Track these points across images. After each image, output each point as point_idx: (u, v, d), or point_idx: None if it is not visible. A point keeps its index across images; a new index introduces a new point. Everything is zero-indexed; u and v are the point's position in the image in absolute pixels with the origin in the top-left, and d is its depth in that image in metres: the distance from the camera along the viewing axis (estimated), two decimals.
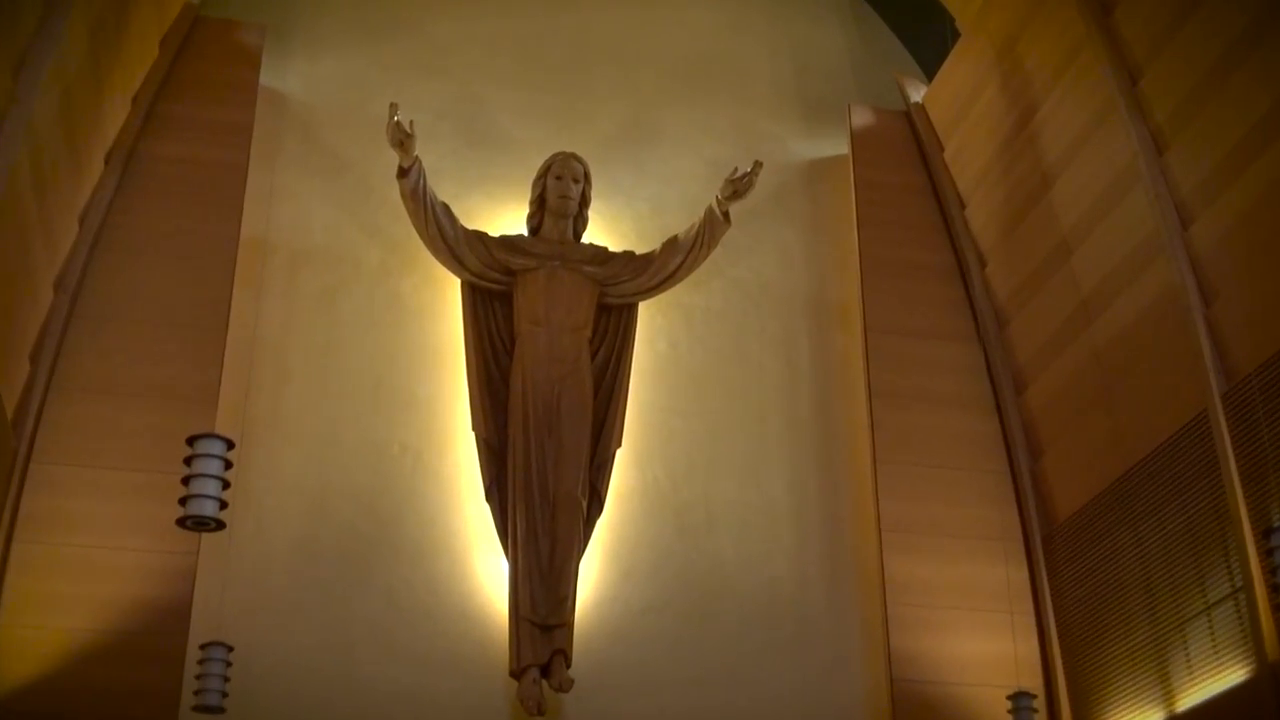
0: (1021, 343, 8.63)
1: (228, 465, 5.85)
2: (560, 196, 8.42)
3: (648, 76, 9.59)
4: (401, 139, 7.89)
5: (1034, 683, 7.86)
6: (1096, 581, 7.81)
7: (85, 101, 7.39)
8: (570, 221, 8.49)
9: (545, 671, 7.45)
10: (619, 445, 8.13)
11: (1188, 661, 7.05)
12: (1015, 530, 8.36)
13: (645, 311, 8.61)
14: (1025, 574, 8.25)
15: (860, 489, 8.47)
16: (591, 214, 8.62)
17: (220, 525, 5.83)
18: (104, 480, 7.33)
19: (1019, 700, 7.33)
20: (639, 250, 8.58)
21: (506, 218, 8.67)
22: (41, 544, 7.14)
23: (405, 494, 8.03)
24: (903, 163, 9.44)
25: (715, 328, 8.87)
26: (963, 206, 9.18)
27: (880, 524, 8.18)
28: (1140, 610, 7.42)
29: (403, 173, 8.05)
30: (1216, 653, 6.87)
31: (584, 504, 7.83)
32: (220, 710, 6.80)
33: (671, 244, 8.49)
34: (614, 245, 8.60)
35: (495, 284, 8.31)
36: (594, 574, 7.96)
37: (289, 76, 9.02)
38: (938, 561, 8.10)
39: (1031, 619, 8.14)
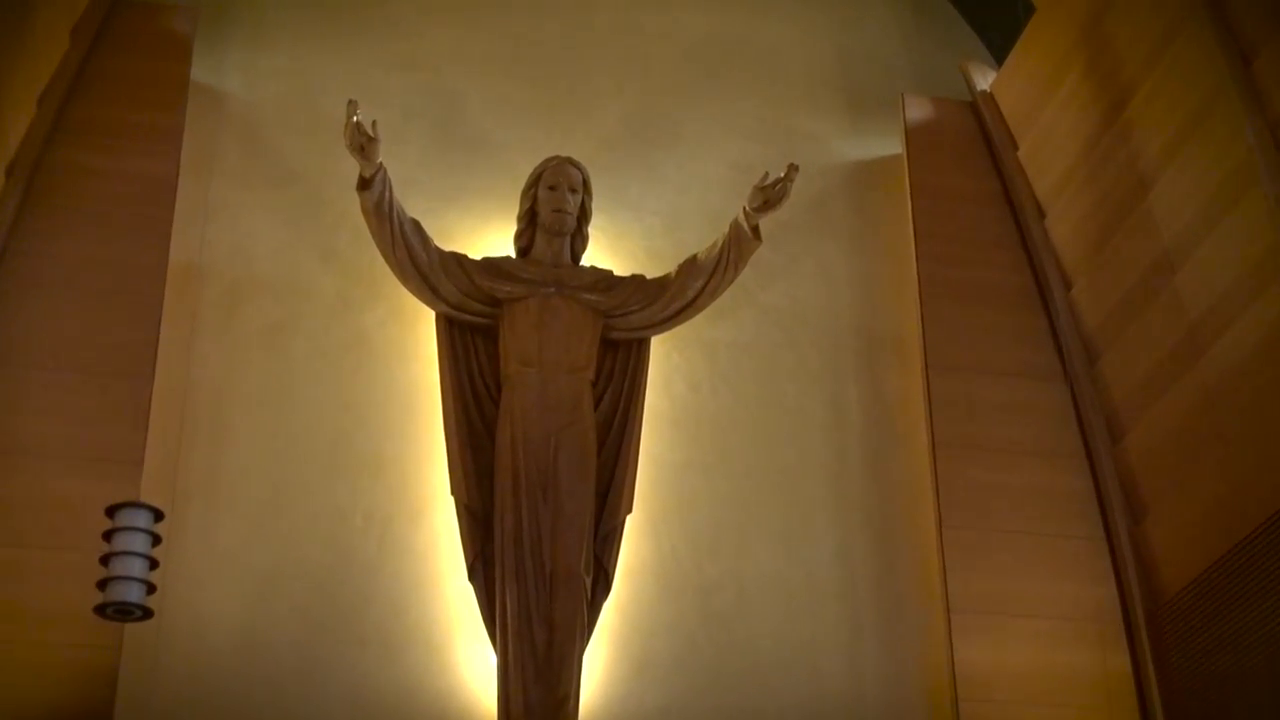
0: (1117, 381, 8.63)
1: (156, 540, 5.88)
2: (554, 210, 8.44)
3: (659, 64, 9.65)
4: (362, 143, 7.92)
5: None
6: (1213, 670, 7.77)
7: None
8: (567, 240, 8.51)
9: None
10: (629, 510, 8.11)
11: None
12: (1114, 608, 8.32)
13: (659, 347, 8.62)
14: (1127, 661, 8.20)
15: (923, 560, 8.45)
16: (593, 231, 8.65)
17: (148, 613, 5.85)
18: (4, 560, 7.29)
19: None
20: (650, 274, 8.59)
21: (490, 237, 8.71)
22: None
23: (371, 573, 8.01)
24: (968, 164, 9.47)
25: (744, 366, 8.88)
26: (1042, 216, 9.20)
27: (948, 603, 8.15)
28: (1267, 704, 7.37)
29: (364, 184, 8.08)
30: None
31: (588, 582, 7.81)
32: None
33: (690, 266, 8.50)
34: (620, 268, 8.63)
35: (477, 317, 8.33)
36: (601, 667, 7.94)
37: (226, 70, 9.08)
38: (1020, 648, 8.06)
39: (1136, 716, 8.08)
